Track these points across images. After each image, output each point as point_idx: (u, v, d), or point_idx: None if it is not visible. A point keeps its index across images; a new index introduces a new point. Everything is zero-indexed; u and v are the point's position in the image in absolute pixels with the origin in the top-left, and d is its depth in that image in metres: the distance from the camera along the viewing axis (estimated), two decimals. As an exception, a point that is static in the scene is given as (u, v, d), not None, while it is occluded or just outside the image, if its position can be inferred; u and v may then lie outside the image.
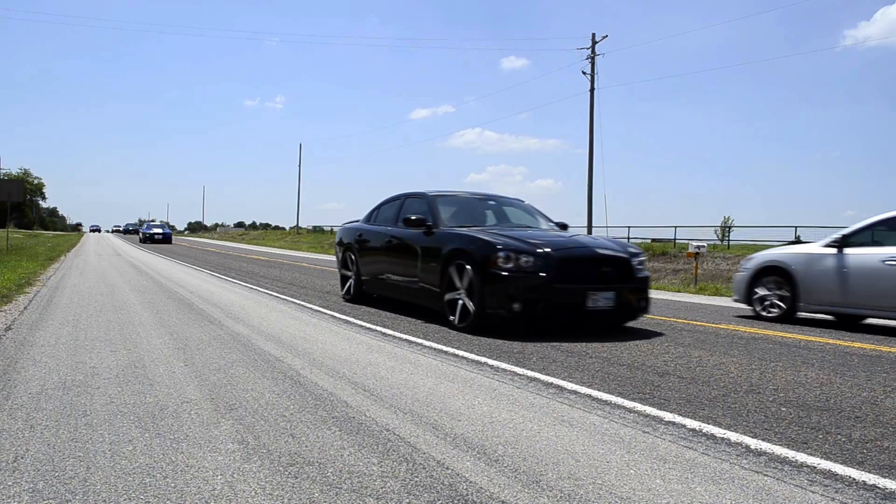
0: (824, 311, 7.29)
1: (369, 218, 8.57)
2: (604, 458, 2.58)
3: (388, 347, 5.00)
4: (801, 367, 4.63)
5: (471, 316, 5.83)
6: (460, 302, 6.02)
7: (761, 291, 7.74)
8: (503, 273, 5.61)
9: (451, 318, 6.10)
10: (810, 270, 7.25)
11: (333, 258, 27.10)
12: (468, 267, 5.90)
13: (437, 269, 6.37)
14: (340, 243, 8.98)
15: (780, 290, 7.54)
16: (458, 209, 7.36)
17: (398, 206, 7.90)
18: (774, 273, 7.63)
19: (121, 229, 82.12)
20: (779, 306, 7.56)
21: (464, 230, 6.52)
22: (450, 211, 7.21)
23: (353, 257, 8.42)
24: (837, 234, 7.27)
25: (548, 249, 5.75)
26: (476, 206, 7.71)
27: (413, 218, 6.91)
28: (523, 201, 8.25)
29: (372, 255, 8.02)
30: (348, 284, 8.51)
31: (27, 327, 5.57)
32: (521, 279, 5.58)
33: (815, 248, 7.44)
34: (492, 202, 7.91)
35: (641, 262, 6.20)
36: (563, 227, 7.63)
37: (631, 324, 6.76)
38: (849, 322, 7.64)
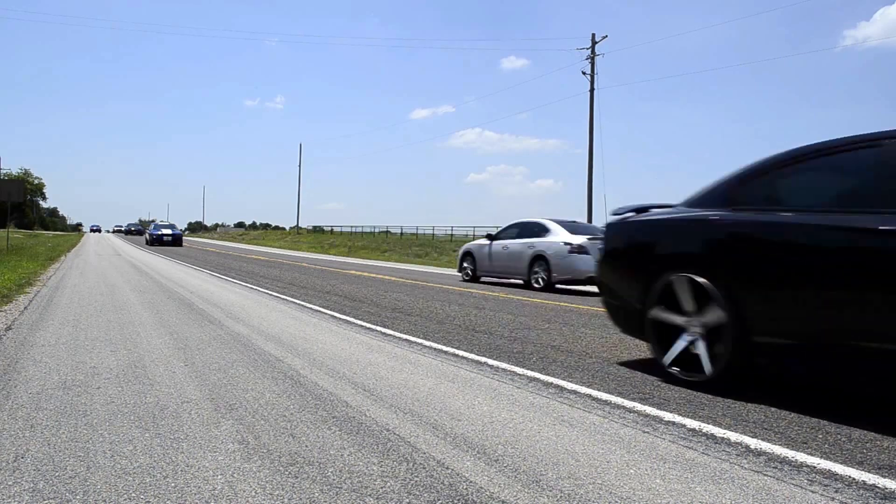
0: (488, 276, 13.37)
1: (732, 193, 3.91)
2: (604, 457, 2.58)
3: (388, 347, 5.00)
4: (801, 366, 4.63)
5: None
6: None
7: (464, 265, 14.00)
8: None
9: None
10: (480, 253, 13.49)
11: (333, 257, 27.06)
12: None
13: None
14: (634, 261, 4.45)
15: (471, 265, 13.71)
16: None
17: (879, 157, 3.27)
18: (469, 255, 13.87)
19: (122, 229, 71.65)
20: (467, 272, 13.83)
21: None
22: None
23: (712, 290, 3.66)
24: (490, 233, 13.71)
25: None
26: None
27: None
28: None
29: (819, 288, 3.27)
30: (702, 355, 3.76)
31: (27, 327, 5.57)
32: None
33: (482, 241, 13.68)
34: None
35: None
36: None
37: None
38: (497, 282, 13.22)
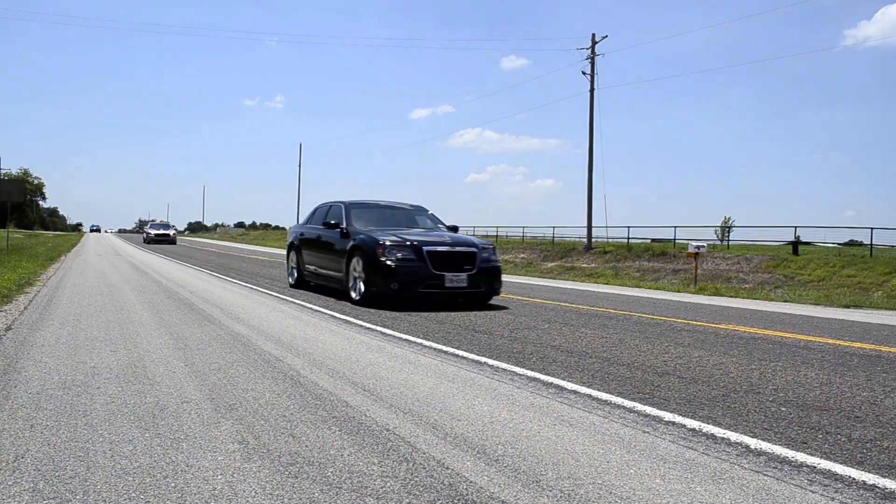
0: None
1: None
2: (604, 458, 2.58)
3: (388, 347, 5.00)
4: (801, 367, 4.64)
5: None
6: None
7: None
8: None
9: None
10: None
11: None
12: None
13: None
14: None
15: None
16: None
17: None
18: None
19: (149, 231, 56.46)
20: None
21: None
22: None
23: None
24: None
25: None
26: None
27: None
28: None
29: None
30: None
31: (27, 327, 5.57)
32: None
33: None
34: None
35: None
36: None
37: (630, 327, 6.76)
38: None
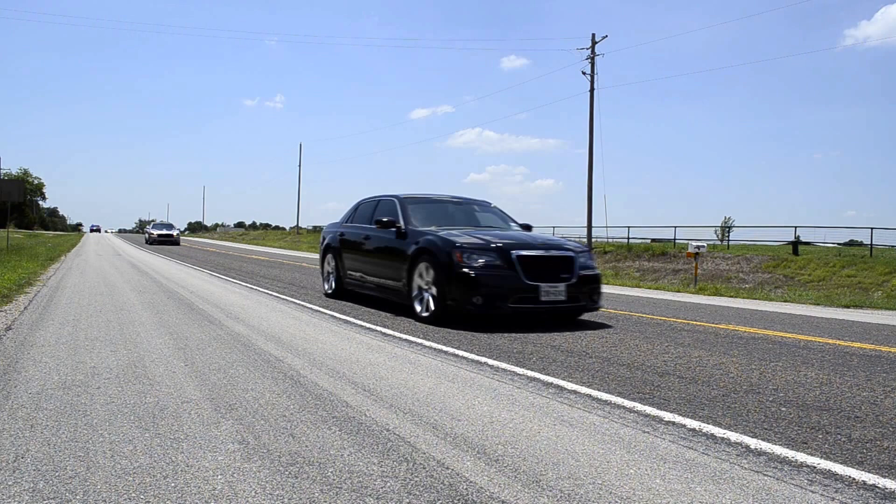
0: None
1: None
2: (604, 458, 2.58)
3: (388, 347, 5.00)
4: (801, 367, 4.64)
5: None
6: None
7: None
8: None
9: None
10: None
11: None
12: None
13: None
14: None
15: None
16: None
17: None
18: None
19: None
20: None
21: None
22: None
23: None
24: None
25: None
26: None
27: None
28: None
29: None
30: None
31: (27, 327, 5.57)
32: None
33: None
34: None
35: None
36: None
37: (630, 327, 6.76)
38: None
